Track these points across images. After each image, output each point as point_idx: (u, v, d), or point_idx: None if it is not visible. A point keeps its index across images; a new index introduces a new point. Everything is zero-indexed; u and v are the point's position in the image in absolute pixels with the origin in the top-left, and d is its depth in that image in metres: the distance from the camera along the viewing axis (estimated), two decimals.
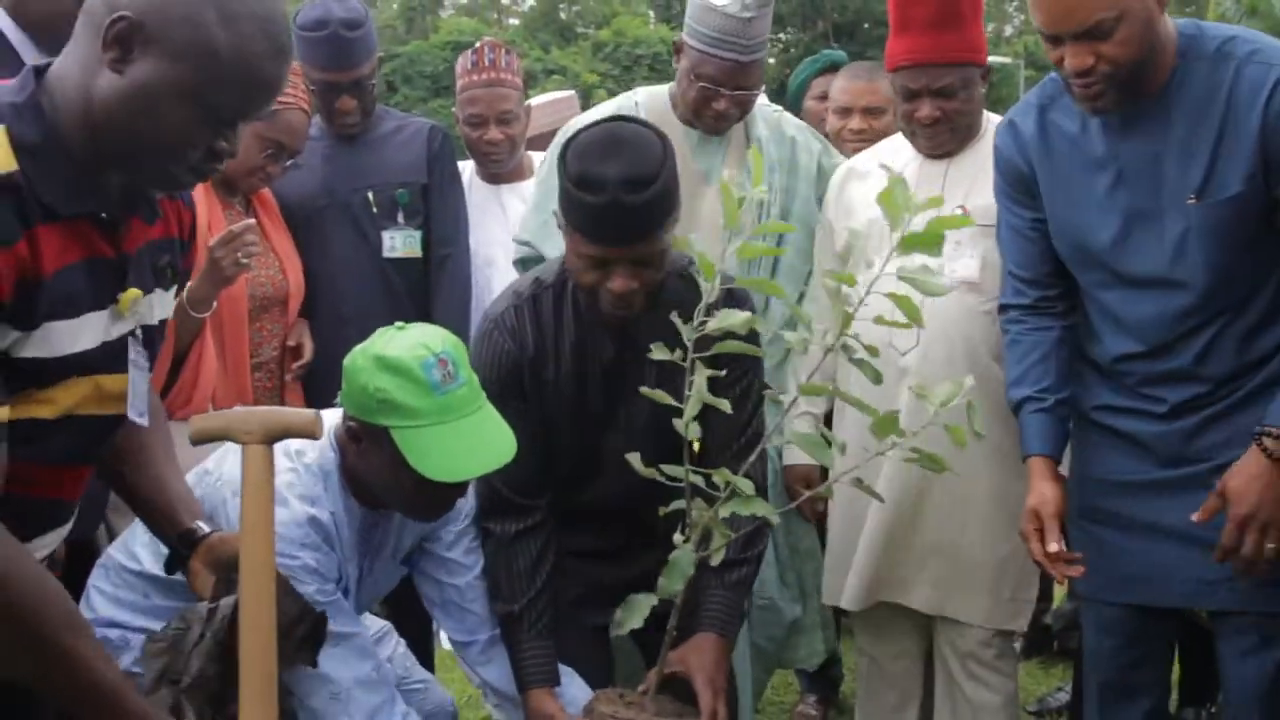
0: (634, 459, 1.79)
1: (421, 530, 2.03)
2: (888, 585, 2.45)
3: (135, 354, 1.43)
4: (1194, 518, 1.90)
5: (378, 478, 1.82)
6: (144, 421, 1.49)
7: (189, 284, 2.18)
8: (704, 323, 1.73)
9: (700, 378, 1.74)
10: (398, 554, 2.04)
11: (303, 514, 1.79)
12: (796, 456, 2.57)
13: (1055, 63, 1.89)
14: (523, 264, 2.70)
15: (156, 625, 1.68)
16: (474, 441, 1.79)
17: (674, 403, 1.75)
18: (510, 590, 2.05)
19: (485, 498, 2.05)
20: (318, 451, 1.85)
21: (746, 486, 1.76)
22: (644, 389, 1.78)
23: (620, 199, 1.84)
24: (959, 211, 2.32)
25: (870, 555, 2.42)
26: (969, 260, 2.34)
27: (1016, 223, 2.13)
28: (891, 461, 2.22)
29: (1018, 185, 2.11)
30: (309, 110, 2.61)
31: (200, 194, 2.42)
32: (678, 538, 1.82)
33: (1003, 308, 2.18)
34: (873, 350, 1.72)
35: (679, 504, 1.82)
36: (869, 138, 2.93)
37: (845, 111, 3.13)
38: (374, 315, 2.74)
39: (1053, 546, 1.99)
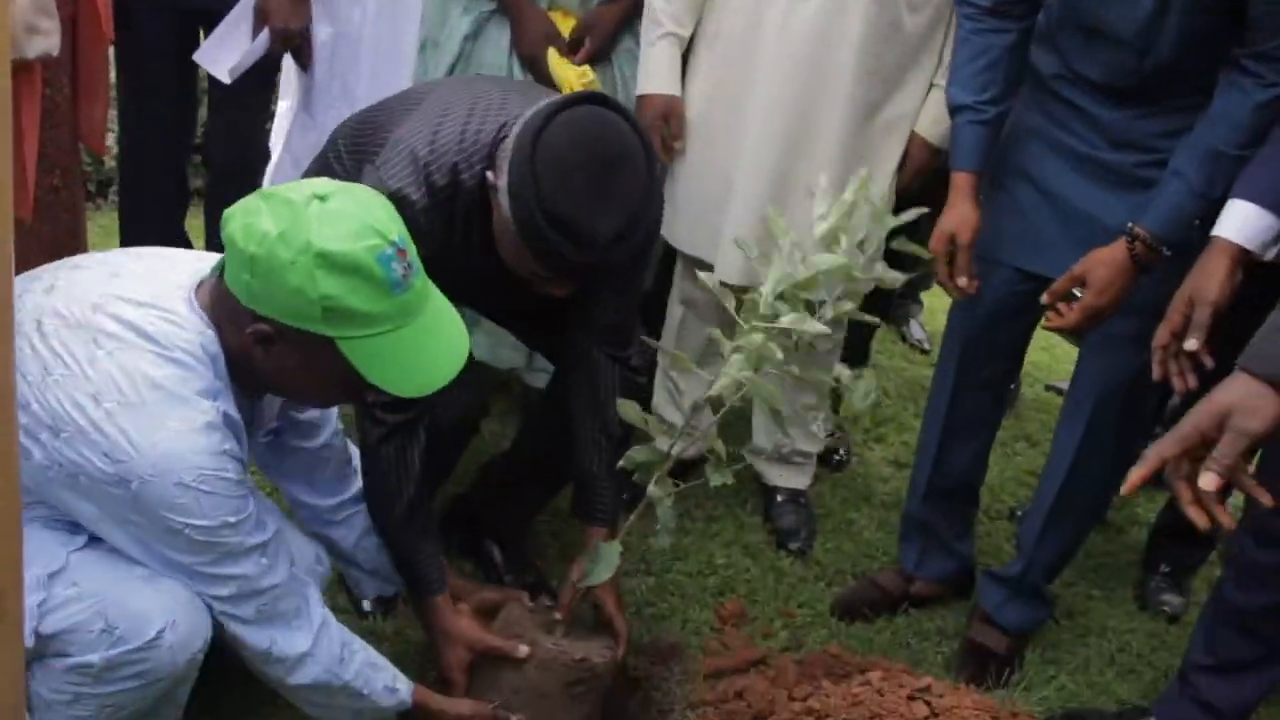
0: (628, 406, 1.81)
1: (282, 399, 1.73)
2: (716, 239, 2.42)
3: None
4: (1043, 299, 2.00)
5: (290, 379, 1.49)
6: None
7: None
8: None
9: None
10: (262, 430, 1.76)
11: (215, 414, 1.43)
12: (654, 85, 2.36)
13: None
14: None
15: None
16: (434, 342, 1.49)
17: None
18: (396, 484, 1.88)
19: None
20: (192, 332, 1.44)
21: (720, 449, 1.81)
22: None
23: (607, 258, 1.68)
24: None
25: (715, 205, 2.38)
26: None
27: None
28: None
29: None
30: None
31: None
32: (654, 489, 1.83)
33: (960, 1, 2.08)
34: None
35: (646, 451, 1.83)
36: None
37: None
38: None
39: (963, 281, 2.05)
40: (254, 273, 1.38)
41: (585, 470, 2.07)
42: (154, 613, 1.45)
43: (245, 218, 1.40)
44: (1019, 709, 2.14)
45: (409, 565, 1.94)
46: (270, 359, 1.46)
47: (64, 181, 2.21)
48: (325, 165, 2.08)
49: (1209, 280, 1.78)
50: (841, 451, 3.00)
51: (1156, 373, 1.85)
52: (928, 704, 1.90)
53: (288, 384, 1.52)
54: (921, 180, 2.43)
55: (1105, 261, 1.92)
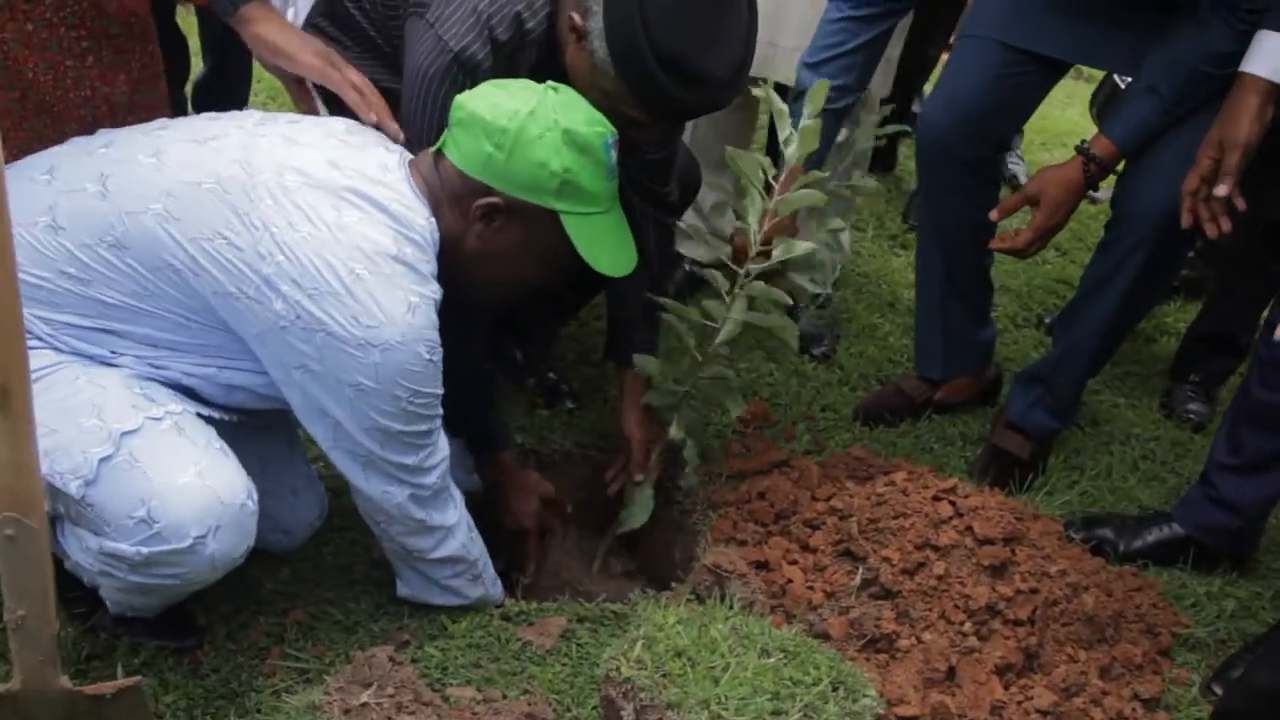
0: (645, 363, 1.91)
1: None
2: None
3: None
4: (992, 215, 2.04)
5: (496, 258, 1.56)
6: None
7: None
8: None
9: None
10: None
11: (438, 294, 1.49)
12: None
13: None
14: None
15: None
16: (623, 230, 1.60)
17: None
18: (464, 345, 1.81)
19: None
20: (421, 217, 1.49)
21: (730, 376, 1.92)
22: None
23: (718, 99, 1.65)
24: None
25: None
26: None
27: None
28: None
29: None
30: None
31: None
32: (675, 432, 1.95)
33: None
34: None
35: (660, 395, 1.95)
36: None
37: None
38: None
39: None
40: (500, 145, 1.48)
41: (620, 315, 2.04)
42: (194, 519, 1.38)
43: (488, 99, 1.50)
44: (1041, 512, 2.15)
45: (479, 424, 1.94)
46: (488, 235, 1.53)
47: None
48: (334, 9, 1.90)
49: (1239, 121, 1.76)
50: (826, 342, 2.67)
51: (1185, 220, 1.84)
52: (953, 504, 1.89)
53: (489, 264, 1.56)
54: None
55: (1059, 182, 1.93)
